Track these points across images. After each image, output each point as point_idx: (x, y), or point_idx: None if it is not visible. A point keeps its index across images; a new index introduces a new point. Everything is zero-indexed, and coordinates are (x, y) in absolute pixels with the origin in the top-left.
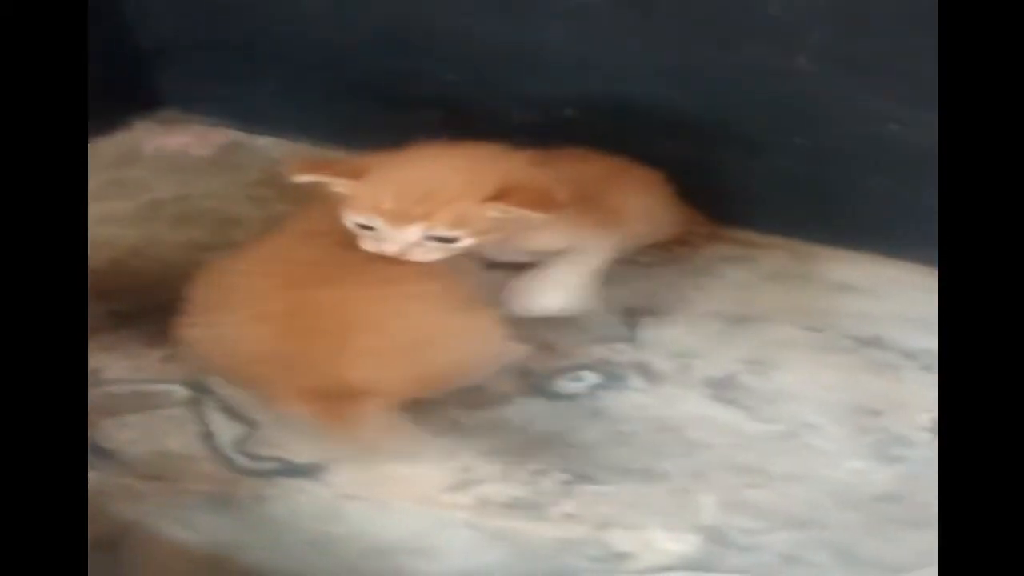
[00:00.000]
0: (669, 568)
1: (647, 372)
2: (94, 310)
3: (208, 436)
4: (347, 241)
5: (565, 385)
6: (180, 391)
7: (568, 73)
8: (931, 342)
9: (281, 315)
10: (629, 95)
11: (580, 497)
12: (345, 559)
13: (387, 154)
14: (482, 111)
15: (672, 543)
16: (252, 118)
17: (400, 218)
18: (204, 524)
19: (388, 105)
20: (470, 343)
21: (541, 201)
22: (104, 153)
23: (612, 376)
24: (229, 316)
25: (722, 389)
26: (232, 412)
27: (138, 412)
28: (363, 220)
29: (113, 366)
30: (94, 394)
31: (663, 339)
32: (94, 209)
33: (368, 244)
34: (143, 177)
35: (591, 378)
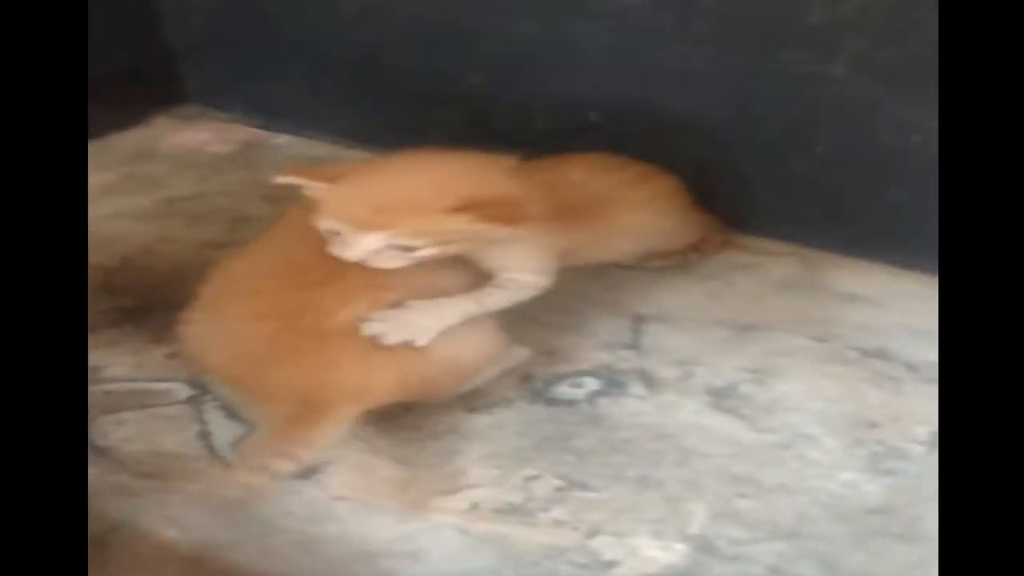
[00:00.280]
0: None
1: (648, 379)
2: (101, 306)
3: (205, 435)
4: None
5: (565, 391)
6: (181, 389)
7: (597, 76)
8: (935, 355)
9: (275, 315)
10: (656, 99)
11: (571, 504)
12: (332, 561)
13: (372, 160)
14: (506, 113)
15: (659, 551)
16: (273, 116)
17: (362, 225)
18: (194, 523)
19: (412, 105)
20: (464, 348)
21: (505, 215)
22: (122, 148)
23: (613, 383)
24: (226, 314)
25: (722, 398)
26: (231, 412)
27: (137, 410)
28: (329, 225)
29: (115, 363)
30: (93, 391)
31: (667, 346)
32: (109, 204)
33: (335, 248)
34: (160, 173)
35: (592, 384)
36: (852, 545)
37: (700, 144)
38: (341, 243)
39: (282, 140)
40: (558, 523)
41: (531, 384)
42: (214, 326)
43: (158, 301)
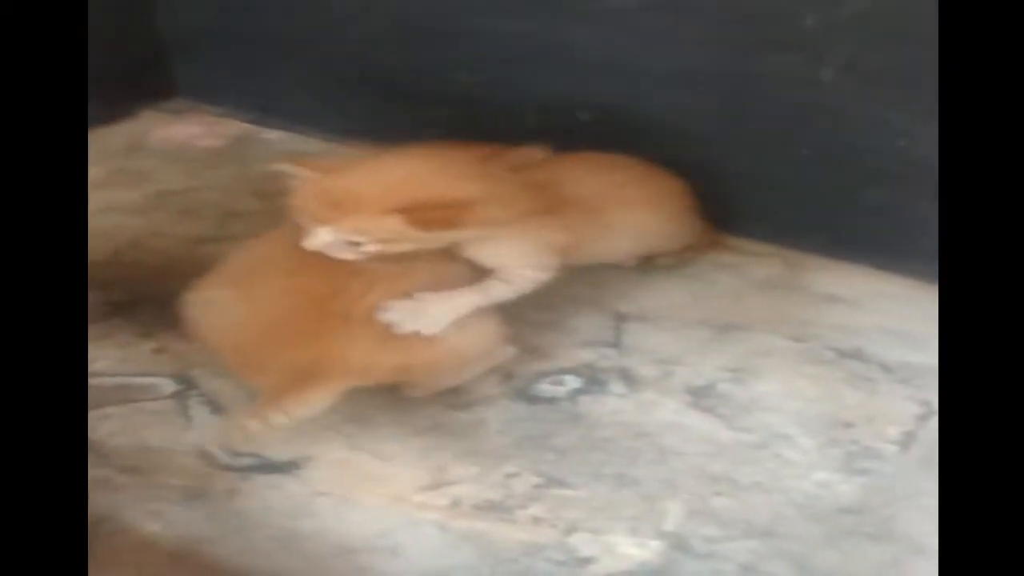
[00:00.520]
0: (629, 573)
1: (629, 378)
2: (90, 300)
3: (190, 430)
4: None
5: (546, 388)
6: (167, 385)
7: (587, 76)
8: (910, 356)
9: (303, 294)
10: (645, 99)
11: (550, 501)
12: (311, 556)
13: (370, 155)
14: (497, 111)
15: (634, 548)
16: (264, 111)
17: (316, 219)
18: (176, 517)
19: (403, 102)
20: (466, 338)
21: (441, 219)
22: (112, 142)
23: (594, 381)
24: (252, 288)
25: (701, 397)
26: (216, 407)
27: (122, 404)
28: (296, 214)
29: (102, 357)
30: None
31: (648, 345)
32: (99, 198)
33: (305, 240)
34: (150, 167)
35: (573, 382)
36: (825, 544)
37: (687, 145)
38: (308, 234)
39: (273, 135)
40: (536, 520)
41: (513, 382)
42: (233, 299)
43: (147, 295)
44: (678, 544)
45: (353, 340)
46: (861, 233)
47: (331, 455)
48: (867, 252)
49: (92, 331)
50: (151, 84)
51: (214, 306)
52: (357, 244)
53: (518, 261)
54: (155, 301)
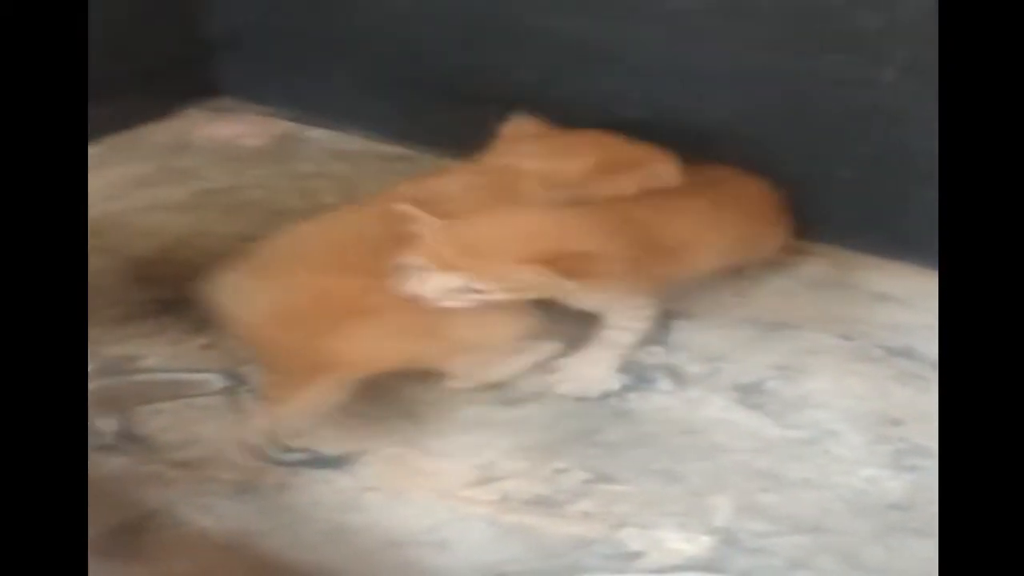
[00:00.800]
0: (678, 568)
1: (676, 375)
2: (139, 297)
3: (240, 425)
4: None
5: None
6: (217, 380)
7: (645, 76)
8: None
9: (313, 288)
10: (704, 100)
11: (598, 496)
12: (360, 550)
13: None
14: (552, 112)
15: (683, 544)
16: (308, 109)
17: (446, 265)
18: (227, 511)
19: (453, 101)
20: (484, 331)
21: (576, 270)
22: (156, 140)
23: (641, 378)
24: (285, 273)
25: (749, 394)
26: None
27: (173, 400)
28: (420, 261)
29: (152, 354)
30: (131, 381)
31: (695, 343)
32: (145, 196)
33: (404, 283)
34: (195, 165)
35: (620, 379)
36: (872, 540)
37: (743, 145)
38: (417, 279)
39: (316, 134)
40: (586, 515)
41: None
42: (265, 282)
43: (195, 293)
44: (727, 539)
45: (361, 330)
46: (913, 233)
47: (381, 451)
48: (917, 252)
49: (142, 328)
50: (196, 82)
51: (238, 292)
52: (485, 293)
53: (623, 305)
54: (202, 299)
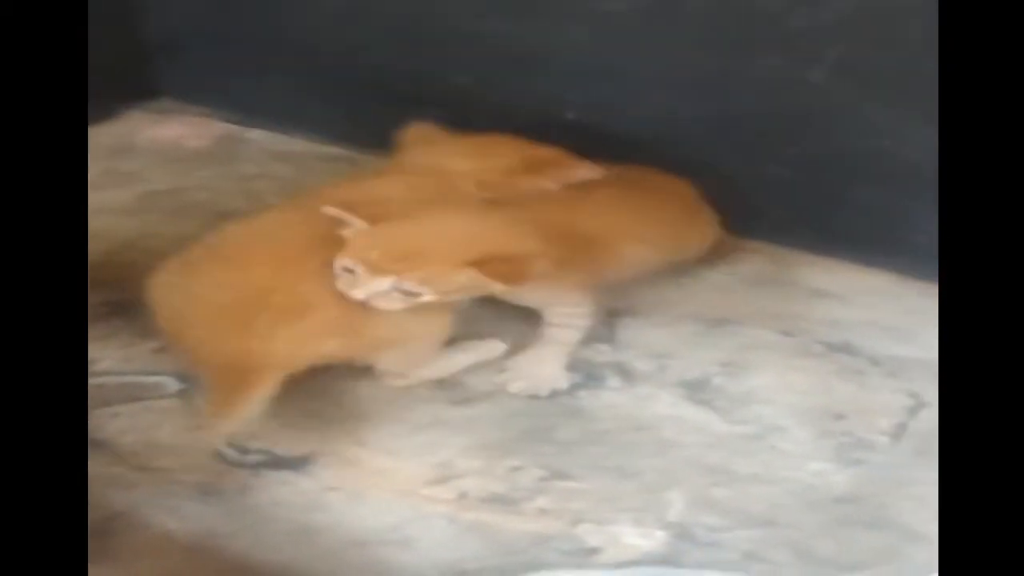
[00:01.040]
0: (635, 563)
1: (625, 372)
2: (89, 300)
3: (198, 428)
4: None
5: None
6: (171, 383)
7: (577, 78)
8: (898, 349)
9: (240, 287)
10: (635, 101)
11: (555, 493)
12: (326, 549)
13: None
14: (486, 113)
15: (639, 539)
16: (249, 111)
17: (378, 269)
18: (191, 513)
19: (391, 103)
20: (407, 329)
21: (508, 273)
22: (98, 142)
23: (591, 375)
24: (205, 274)
25: (696, 390)
26: None
27: (129, 403)
28: (349, 264)
29: (106, 357)
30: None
31: (642, 340)
32: (90, 199)
33: (341, 284)
34: (138, 168)
35: (570, 377)
36: (822, 532)
37: (676, 145)
38: (350, 281)
39: (257, 135)
40: (543, 512)
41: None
42: (188, 284)
43: (144, 296)
44: (681, 533)
45: (286, 328)
46: (847, 230)
47: (339, 451)
48: (853, 248)
49: (94, 331)
50: (137, 84)
51: (167, 291)
52: (416, 295)
53: (561, 303)
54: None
